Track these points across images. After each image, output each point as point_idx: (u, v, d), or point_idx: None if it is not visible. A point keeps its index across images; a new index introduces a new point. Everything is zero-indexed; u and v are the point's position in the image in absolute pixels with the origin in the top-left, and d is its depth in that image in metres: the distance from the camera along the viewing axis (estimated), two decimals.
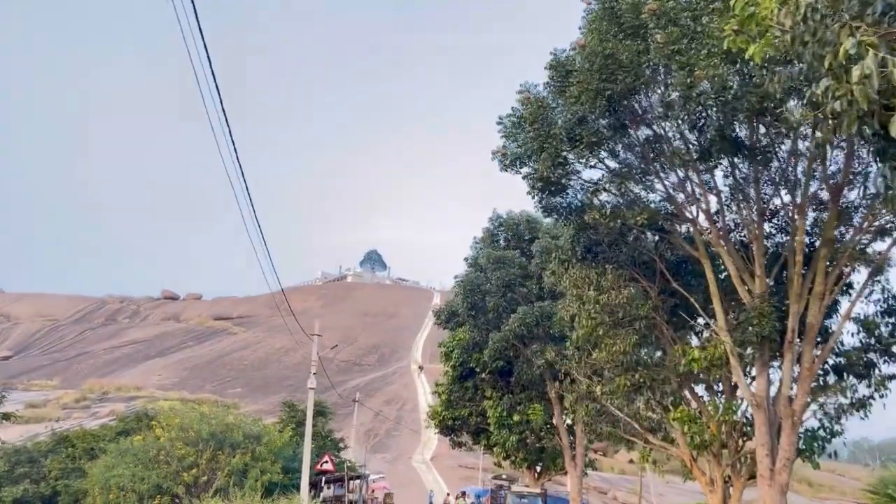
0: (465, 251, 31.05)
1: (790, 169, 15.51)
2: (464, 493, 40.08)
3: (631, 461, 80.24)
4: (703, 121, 14.07)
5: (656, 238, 19.96)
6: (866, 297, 17.89)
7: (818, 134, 7.85)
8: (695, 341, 19.07)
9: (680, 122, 14.59)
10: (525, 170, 17.03)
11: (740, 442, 18.10)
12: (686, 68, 12.57)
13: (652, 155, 16.94)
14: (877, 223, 16.27)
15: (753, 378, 16.45)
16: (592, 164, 16.49)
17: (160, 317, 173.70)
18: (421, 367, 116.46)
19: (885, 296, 18.08)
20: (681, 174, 17.64)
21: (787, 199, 17.10)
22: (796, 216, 15.47)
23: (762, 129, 14.44)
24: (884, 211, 16.28)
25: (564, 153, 15.53)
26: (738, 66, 12.50)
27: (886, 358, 17.72)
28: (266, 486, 32.95)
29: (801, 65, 8.21)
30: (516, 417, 31.61)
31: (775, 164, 15.62)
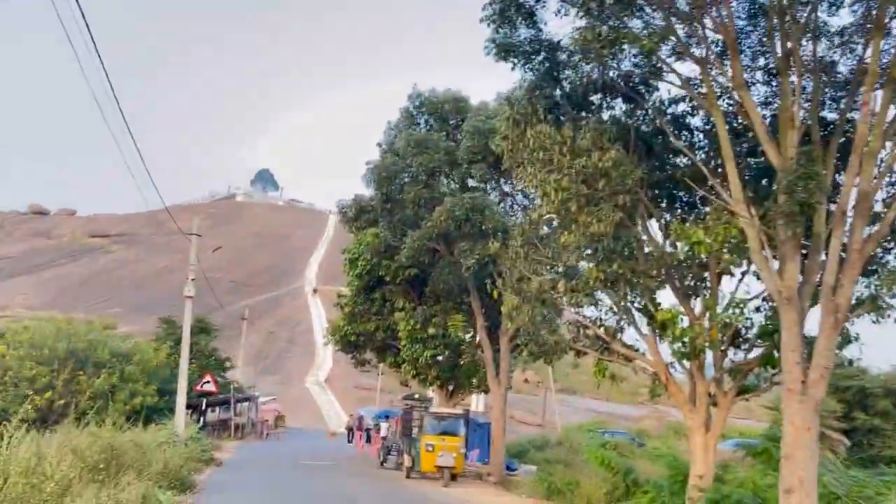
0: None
1: None
2: (387, 417, 35.88)
3: (526, 381, 79.24)
4: None
5: (627, 105, 15.95)
6: None
7: None
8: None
9: None
10: None
11: (723, 351, 14.73)
12: None
13: None
14: None
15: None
16: None
17: (28, 232, 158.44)
18: (315, 290, 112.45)
19: None
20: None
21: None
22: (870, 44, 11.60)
23: None
24: None
25: None
26: None
27: None
28: (138, 409, 28.80)
29: None
30: (431, 331, 27.80)
31: None
